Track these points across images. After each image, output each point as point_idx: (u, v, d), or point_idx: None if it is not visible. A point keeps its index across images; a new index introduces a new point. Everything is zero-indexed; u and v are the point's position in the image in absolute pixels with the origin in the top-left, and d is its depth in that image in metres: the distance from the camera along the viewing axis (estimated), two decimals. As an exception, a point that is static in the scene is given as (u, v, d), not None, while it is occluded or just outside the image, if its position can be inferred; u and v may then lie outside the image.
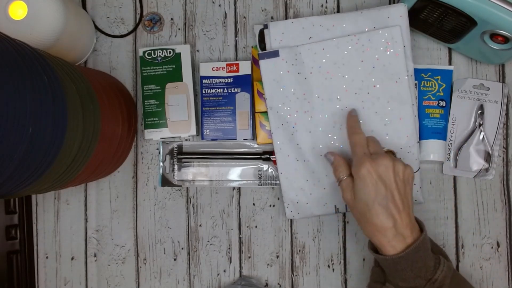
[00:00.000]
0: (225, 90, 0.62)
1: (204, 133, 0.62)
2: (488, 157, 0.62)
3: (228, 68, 0.62)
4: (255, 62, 0.62)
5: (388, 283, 0.49)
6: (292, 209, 0.62)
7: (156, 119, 0.63)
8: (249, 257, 0.64)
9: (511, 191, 0.63)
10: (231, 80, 0.62)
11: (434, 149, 0.61)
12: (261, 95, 0.62)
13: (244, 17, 0.65)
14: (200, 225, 0.65)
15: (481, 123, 0.62)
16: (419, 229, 0.49)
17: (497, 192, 0.63)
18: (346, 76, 0.59)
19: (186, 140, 0.65)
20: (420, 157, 0.60)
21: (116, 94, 0.59)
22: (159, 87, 0.63)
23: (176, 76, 0.63)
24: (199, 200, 0.65)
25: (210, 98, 0.62)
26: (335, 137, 0.60)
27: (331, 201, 0.61)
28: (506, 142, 0.63)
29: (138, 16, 0.66)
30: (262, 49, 0.61)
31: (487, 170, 0.62)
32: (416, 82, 0.62)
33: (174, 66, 0.63)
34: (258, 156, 0.64)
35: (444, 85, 0.62)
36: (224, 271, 0.65)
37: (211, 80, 0.62)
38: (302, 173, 0.61)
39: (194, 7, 0.66)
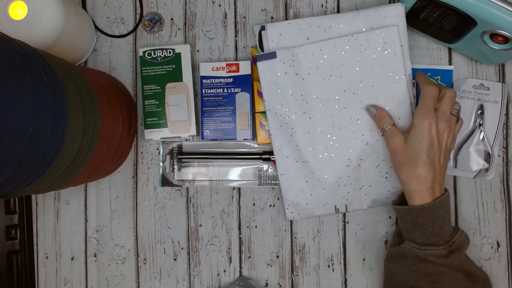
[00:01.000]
0: (225, 90, 0.62)
1: (204, 133, 0.62)
2: (488, 157, 0.62)
3: (228, 68, 0.62)
4: (255, 62, 0.62)
5: (407, 241, 0.53)
6: (292, 210, 0.62)
7: (156, 119, 0.63)
8: (249, 257, 0.64)
9: (511, 191, 0.63)
10: (231, 80, 0.62)
11: (434, 149, 0.61)
12: (261, 95, 0.62)
13: (244, 17, 0.65)
14: (200, 225, 0.65)
15: (481, 123, 0.62)
16: (445, 191, 0.55)
17: (497, 192, 0.63)
18: (344, 76, 0.59)
19: (186, 140, 0.65)
20: (420, 157, 0.60)
21: (116, 94, 0.59)
22: (159, 87, 0.63)
23: (176, 76, 0.63)
24: (199, 200, 0.65)
25: (210, 98, 0.62)
26: (334, 138, 0.60)
27: (331, 201, 0.61)
28: (506, 142, 0.63)
29: (138, 16, 0.66)
30: (262, 49, 0.61)
31: (487, 170, 0.62)
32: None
33: (174, 66, 0.63)
34: (258, 156, 0.64)
35: (444, 85, 0.62)
36: (224, 271, 0.65)
37: (211, 80, 0.62)
38: (302, 174, 0.61)
39: (194, 7, 0.66)
